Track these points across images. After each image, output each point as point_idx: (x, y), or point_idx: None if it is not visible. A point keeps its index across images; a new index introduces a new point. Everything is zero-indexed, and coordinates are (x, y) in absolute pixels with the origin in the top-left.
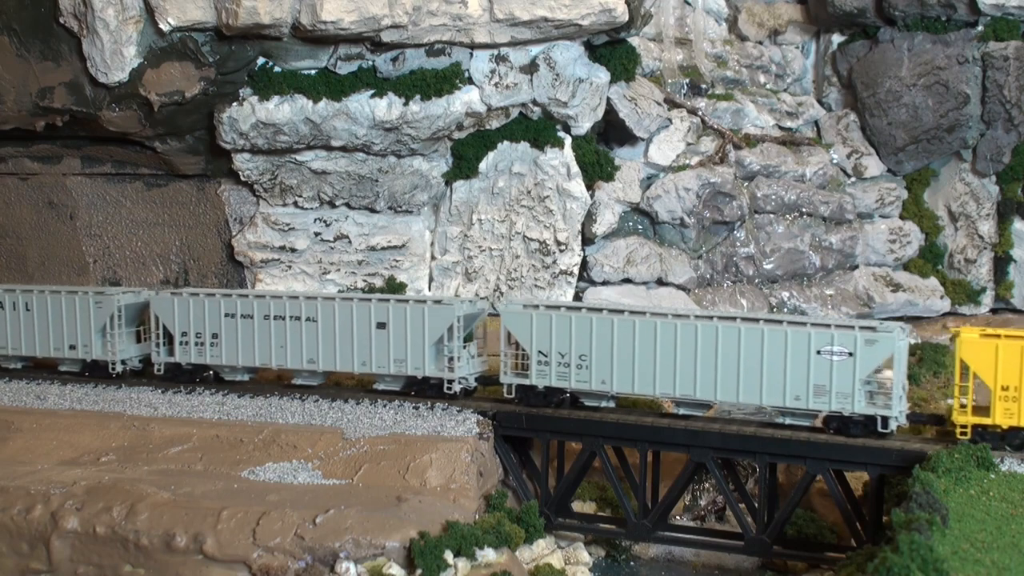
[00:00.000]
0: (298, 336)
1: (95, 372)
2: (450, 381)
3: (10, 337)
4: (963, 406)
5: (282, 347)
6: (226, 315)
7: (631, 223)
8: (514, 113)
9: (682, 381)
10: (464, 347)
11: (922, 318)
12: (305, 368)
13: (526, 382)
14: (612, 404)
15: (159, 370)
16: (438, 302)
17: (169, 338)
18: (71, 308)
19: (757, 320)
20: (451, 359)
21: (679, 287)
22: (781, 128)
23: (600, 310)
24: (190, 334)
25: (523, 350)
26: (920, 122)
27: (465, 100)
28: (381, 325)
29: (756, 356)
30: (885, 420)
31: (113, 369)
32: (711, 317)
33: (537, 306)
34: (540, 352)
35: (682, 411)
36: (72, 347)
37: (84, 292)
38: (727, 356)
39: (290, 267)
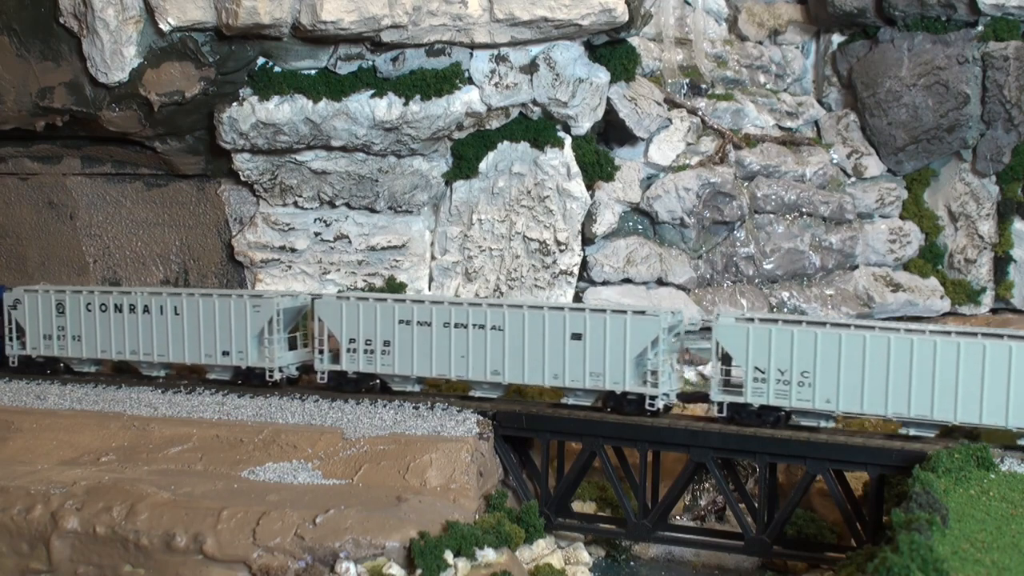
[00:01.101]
0: (482, 346)
1: (250, 380)
2: (652, 397)
3: (156, 343)
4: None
5: (463, 357)
6: (400, 322)
7: (631, 223)
8: (514, 113)
9: (917, 400)
10: (667, 361)
11: (922, 318)
12: (488, 380)
13: (739, 399)
14: (832, 424)
15: (322, 378)
16: (641, 313)
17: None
18: (225, 312)
19: (1001, 336)
20: (654, 374)
21: (679, 287)
22: (781, 128)
23: (823, 324)
24: (359, 341)
25: (735, 366)
26: (920, 122)
27: (465, 100)
28: (576, 336)
29: (1003, 374)
30: None
31: (270, 377)
32: (949, 332)
33: (752, 319)
34: (757, 368)
35: (912, 431)
36: (225, 353)
37: (239, 295)
38: (969, 373)
39: (290, 267)
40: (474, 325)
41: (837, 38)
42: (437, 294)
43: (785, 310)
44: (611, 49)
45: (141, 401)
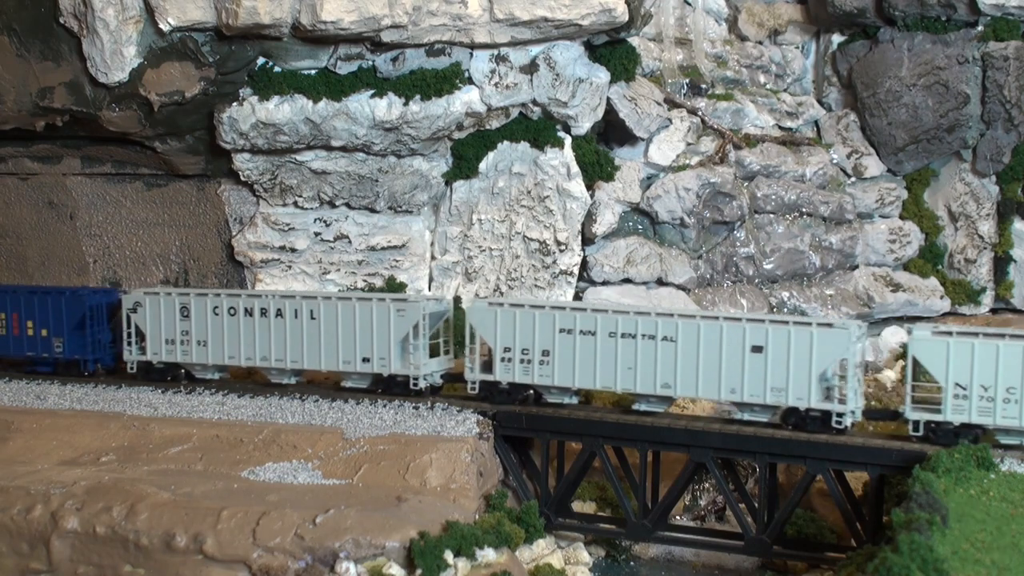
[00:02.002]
0: (651, 357)
1: (391, 388)
2: (839, 415)
3: (289, 349)
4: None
5: (630, 369)
6: (561, 331)
7: (631, 223)
8: (514, 113)
9: None
10: (855, 376)
11: (922, 318)
12: (657, 393)
13: (937, 418)
14: None
15: (473, 388)
16: (828, 325)
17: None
18: (366, 317)
19: None
20: (841, 389)
21: (679, 287)
22: (781, 128)
23: None
24: (514, 350)
25: (934, 383)
26: (920, 122)
27: (465, 100)
28: (757, 348)
29: None
30: None
31: (415, 385)
32: None
33: (951, 332)
34: (958, 385)
35: None
36: (365, 360)
37: (381, 299)
38: None
39: (290, 267)
40: (643, 335)
41: (837, 38)
42: (598, 302)
43: (785, 310)
44: (611, 49)
45: (141, 401)
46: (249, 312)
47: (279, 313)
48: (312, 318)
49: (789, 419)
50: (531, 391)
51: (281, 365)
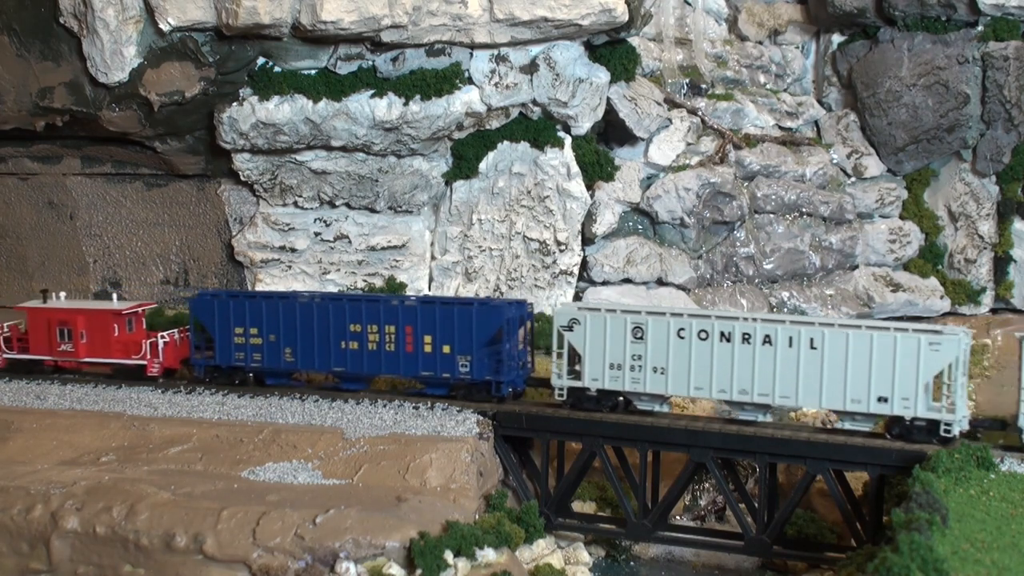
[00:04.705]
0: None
1: (915, 436)
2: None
3: (778, 383)
4: None
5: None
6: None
7: (631, 223)
8: (514, 113)
9: None
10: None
11: (922, 318)
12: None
13: None
14: None
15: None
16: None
17: None
18: (885, 348)
19: None
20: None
21: (679, 287)
22: (781, 128)
23: None
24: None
25: None
26: (920, 122)
27: (465, 100)
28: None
29: None
30: None
31: (946, 432)
32: None
33: None
34: None
35: None
36: (882, 400)
37: (902, 329)
38: None
39: (290, 267)
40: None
41: (837, 38)
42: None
43: (785, 310)
44: (611, 49)
45: (141, 401)
46: (726, 337)
47: (767, 340)
48: (812, 348)
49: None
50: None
51: (766, 400)
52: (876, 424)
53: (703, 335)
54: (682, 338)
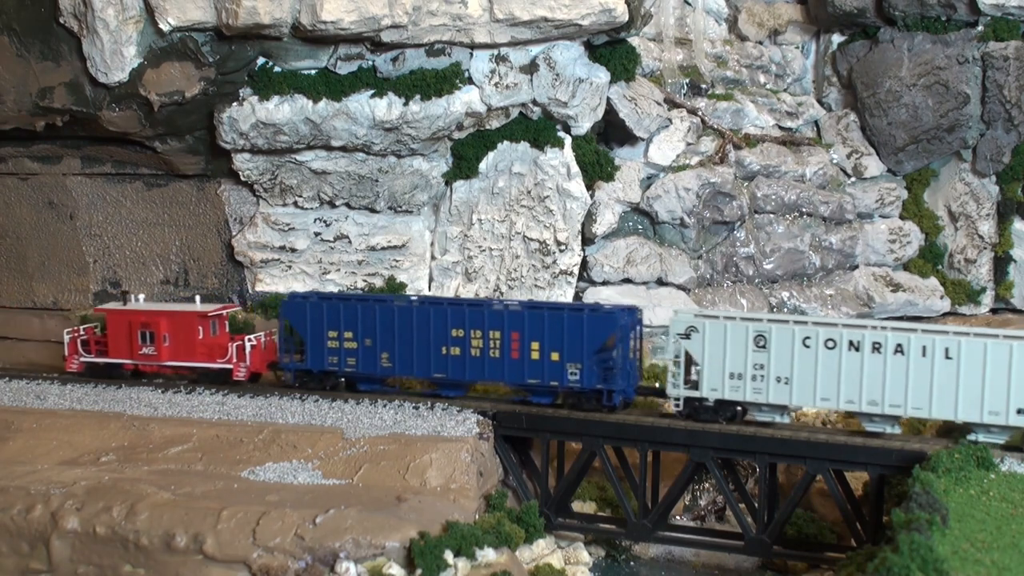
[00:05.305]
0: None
1: None
2: None
3: (910, 392)
4: None
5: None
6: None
7: (631, 223)
8: (514, 113)
9: None
10: None
11: (922, 318)
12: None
13: None
14: None
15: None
16: None
17: None
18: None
19: None
20: None
21: (679, 287)
22: (781, 128)
23: None
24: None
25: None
26: (920, 122)
27: (465, 100)
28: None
29: None
30: None
31: None
32: None
33: None
34: None
35: None
36: (1022, 412)
37: None
38: None
39: (290, 267)
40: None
41: (837, 38)
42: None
43: (785, 310)
44: (611, 49)
45: (141, 401)
46: (855, 346)
47: (899, 349)
48: (948, 357)
49: None
50: (739, 408)
51: (898, 411)
52: (1011, 437)
53: (830, 344)
54: (808, 347)
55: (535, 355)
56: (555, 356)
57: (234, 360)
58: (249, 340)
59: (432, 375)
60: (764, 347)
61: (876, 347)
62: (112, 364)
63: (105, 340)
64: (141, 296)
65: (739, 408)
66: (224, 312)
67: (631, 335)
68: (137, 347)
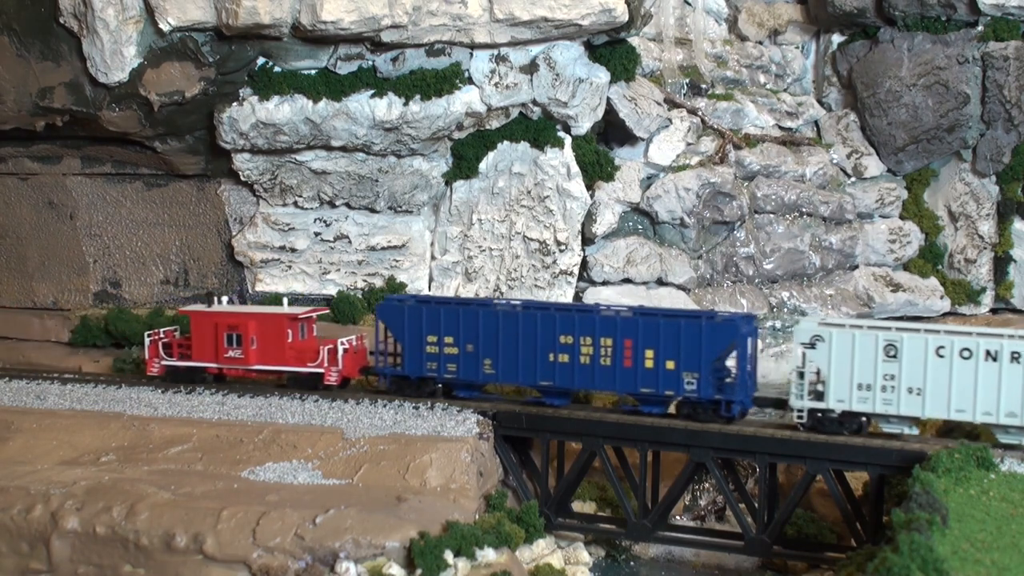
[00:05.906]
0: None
1: None
2: None
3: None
4: None
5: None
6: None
7: (631, 223)
8: (514, 113)
9: None
10: None
11: (922, 318)
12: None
13: None
14: None
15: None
16: None
17: None
18: None
19: None
20: None
21: (679, 287)
22: (781, 128)
23: None
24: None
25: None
26: (920, 122)
27: (465, 100)
28: None
29: None
30: None
31: None
32: None
33: None
34: None
35: None
36: None
37: None
38: None
39: (290, 267)
40: (1010, 357)
41: (837, 38)
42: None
43: (785, 310)
44: (611, 49)
45: (141, 401)
46: (992, 356)
47: (1015, 358)
48: (1015, 361)
49: None
50: (864, 419)
51: (963, 415)
52: None
53: (966, 354)
54: (941, 356)
55: (649, 363)
56: (670, 365)
57: (325, 364)
58: (342, 344)
59: (538, 383)
60: (895, 357)
61: (1015, 357)
62: (194, 368)
63: (188, 343)
64: (224, 298)
65: (863, 419)
66: (313, 315)
67: (748, 343)
68: (223, 350)
